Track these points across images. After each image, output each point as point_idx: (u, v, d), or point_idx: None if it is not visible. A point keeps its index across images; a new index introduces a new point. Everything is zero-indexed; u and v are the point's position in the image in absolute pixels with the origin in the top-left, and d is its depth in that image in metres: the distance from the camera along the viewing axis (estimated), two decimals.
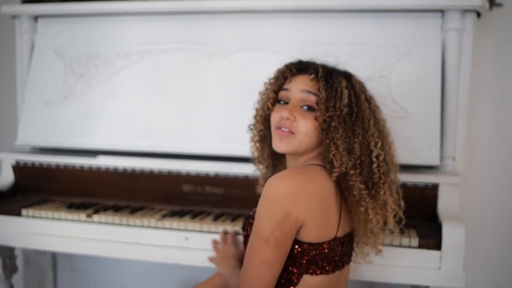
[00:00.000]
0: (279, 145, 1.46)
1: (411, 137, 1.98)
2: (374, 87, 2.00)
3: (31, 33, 2.45)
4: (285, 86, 1.49)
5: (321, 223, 1.38)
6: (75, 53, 2.37)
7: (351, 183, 1.41)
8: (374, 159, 1.42)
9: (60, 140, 2.30)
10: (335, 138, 1.39)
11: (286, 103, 1.47)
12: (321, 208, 1.37)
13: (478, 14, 2.11)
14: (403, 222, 1.56)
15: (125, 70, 2.30)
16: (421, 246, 1.77)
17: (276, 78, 1.53)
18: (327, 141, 1.40)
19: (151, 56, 2.28)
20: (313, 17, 2.16)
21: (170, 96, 2.22)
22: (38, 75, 2.38)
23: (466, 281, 2.26)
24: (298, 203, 1.32)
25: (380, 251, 1.61)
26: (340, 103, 1.39)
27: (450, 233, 1.74)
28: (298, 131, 1.43)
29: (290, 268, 1.41)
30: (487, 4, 2.05)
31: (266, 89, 1.55)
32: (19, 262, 2.51)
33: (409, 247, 1.78)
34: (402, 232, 1.84)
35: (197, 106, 2.19)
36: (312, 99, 1.43)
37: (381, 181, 1.43)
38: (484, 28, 2.28)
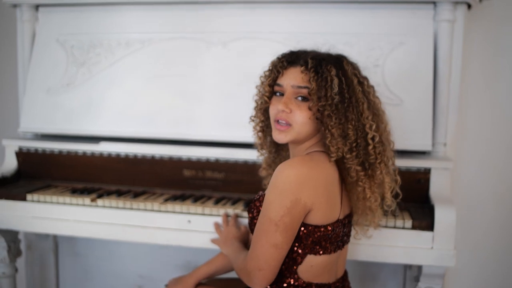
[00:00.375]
0: (278, 137, 1.52)
1: (404, 123, 2.05)
2: (369, 76, 2.04)
3: (32, 22, 2.47)
4: (278, 81, 1.53)
5: (326, 207, 1.45)
6: (77, 42, 2.40)
7: (348, 165, 1.48)
8: (370, 141, 1.48)
9: (62, 126, 2.34)
10: (329, 126, 1.45)
11: (282, 94, 1.52)
12: (326, 193, 1.45)
13: (469, 6, 2.18)
14: (400, 197, 1.63)
15: (126, 58, 2.34)
16: (414, 227, 1.85)
17: (270, 71, 1.58)
18: (323, 128, 1.47)
19: (151, 45, 2.33)
20: (309, 7, 2.21)
21: (171, 83, 2.27)
22: (40, 64, 2.42)
23: (458, 259, 2.37)
24: (306, 189, 1.40)
25: (379, 225, 1.70)
26: (331, 92, 1.44)
27: (442, 215, 1.82)
28: (295, 122, 1.48)
29: (295, 249, 1.48)
30: None
31: (262, 82, 1.60)
32: (22, 247, 2.56)
33: (403, 228, 1.86)
34: (396, 214, 1.92)
35: (197, 93, 2.24)
36: (304, 91, 1.47)
37: (377, 161, 1.50)
38: (474, 19, 2.35)
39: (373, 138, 1.49)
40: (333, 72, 1.46)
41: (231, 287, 1.83)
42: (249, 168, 2.10)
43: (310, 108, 1.47)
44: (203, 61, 2.26)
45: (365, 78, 1.55)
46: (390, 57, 2.12)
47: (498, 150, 2.46)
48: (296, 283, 1.51)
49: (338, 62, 1.50)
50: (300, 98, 1.49)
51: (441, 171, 2.00)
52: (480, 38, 2.39)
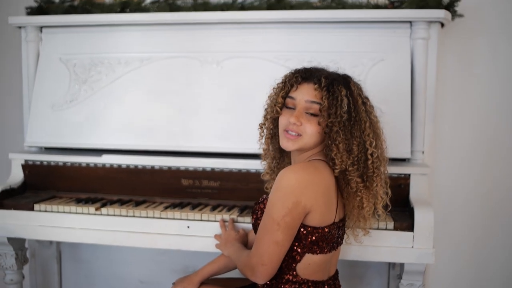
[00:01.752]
0: (286, 144, 1.67)
1: (385, 133, 2.19)
2: None
3: (37, 42, 2.61)
4: (292, 94, 1.67)
5: (324, 210, 1.61)
6: (79, 61, 2.55)
7: (349, 177, 1.63)
8: (369, 156, 1.63)
9: (66, 140, 2.48)
10: (336, 141, 1.59)
11: (293, 107, 1.67)
12: (324, 197, 1.60)
13: (442, 24, 2.37)
14: (389, 208, 1.78)
15: (126, 76, 2.49)
16: (396, 228, 2.00)
17: (284, 84, 1.71)
18: (329, 142, 1.61)
19: (150, 63, 2.48)
20: (297, 27, 2.37)
21: (168, 99, 2.42)
22: (44, 81, 2.56)
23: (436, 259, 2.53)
24: (306, 193, 1.56)
25: (368, 232, 1.84)
26: (341, 111, 1.59)
27: (421, 217, 1.97)
28: (304, 133, 1.63)
29: (295, 248, 1.63)
30: (449, 16, 2.31)
31: (275, 93, 1.73)
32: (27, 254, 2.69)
33: (386, 229, 2.01)
34: (379, 216, 2.09)
35: (193, 108, 2.39)
36: (315, 107, 1.62)
37: (375, 175, 1.65)
38: (447, 36, 2.54)
39: (372, 154, 1.63)
40: (344, 92, 1.60)
41: (231, 286, 1.97)
42: (243, 176, 2.26)
43: (319, 123, 1.62)
44: (199, 78, 2.42)
45: (367, 99, 1.70)
46: (371, 72, 2.29)
47: (474, 155, 2.64)
48: (294, 279, 1.66)
49: (347, 83, 1.65)
50: (310, 114, 1.64)
51: (419, 177, 2.17)
52: (453, 52, 2.58)
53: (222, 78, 2.40)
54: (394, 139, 2.20)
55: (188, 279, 1.96)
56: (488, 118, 2.61)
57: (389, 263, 2.43)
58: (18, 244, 2.42)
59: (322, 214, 1.61)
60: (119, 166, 2.39)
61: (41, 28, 2.61)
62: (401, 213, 2.12)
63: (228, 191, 2.30)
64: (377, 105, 2.21)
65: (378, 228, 2.02)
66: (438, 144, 2.61)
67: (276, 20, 2.37)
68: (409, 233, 1.99)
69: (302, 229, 1.61)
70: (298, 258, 1.65)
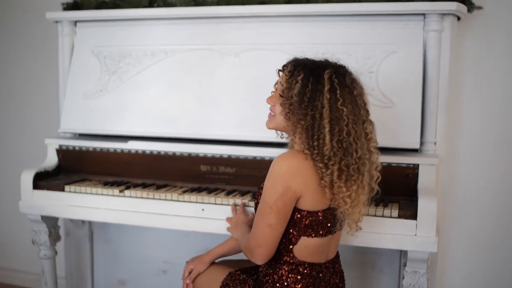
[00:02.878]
0: (266, 123, 1.84)
1: (395, 124, 2.26)
2: (364, 81, 2.29)
3: (71, 36, 2.80)
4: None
5: (314, 195, 1.69)
6: (109, 53, 2.72)
7: (313, 162, 1.67)
8: (327, 142, 1.64)
9: (96, 127, 2.66)
10: (291, 121, 1.71)
11: None
12: (314, 183, 1.68)
13: (459, 18, 2.39)
14: (379, 179, 1.79)
15: (152, 67, 2.64)
16: (400, 216, 2.05)
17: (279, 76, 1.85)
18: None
19: (173, 55, 2.62)
20: (312, 21, 2.45)
21: (189, 89, 2.55)
22: (77, 72, 2.74)
23: (452, 250, 2.56)
24: (297, 178, 1.65)
25: (360, 228, 1.86)
26: (291, 92, 1.68)
27: (424, 205, 2.01)
28: (275, 112, 1.78)
29: (291, 231, 1.73)
30: (464, 8, 2.32)
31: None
32: (61, 233, 2.89)
33: (390, 217, 2.06)
34: (386, 205, 2.15)
35: (212, 98, 2.51)
36: (279, 88, 1.77)
37: (330, 163, 1.65)
38: (466, 28, 2.54)
39: (330, 140, 1.65)
40: (301, 76, 1.69)
41: (239, 266, 2.08)
42: (257, 163, 2.36)
43: (281, 104, 1.74)
44: (218, 69, 2.54)
45: (346, 88, 1.69)
46: (383, 64, 2.34)
47: (491, 147, 2.63)
48: (292, 261, 1.76)
49: (317, 70, 1.70)
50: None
51: (428, 167, 2.20)
52: (472, 45, 2.58)
53: (240, 70, 2.50)
54: (404, 130, 2.27)
55: (199, 259, 2.09)
56: (508, 112, 2.60)
57: (400, 252, 2.48)
58: (51, 222, 2.61)
59: (314, 199, 1.69)
60: (143, 152, 2.54)
61: (75, 22, 2.79)
62: (409, 202, 2.16)
63: (244, 177, 2.40)
64: (388, 96, 2.31)
65: (383, 216, 2.08)
66: (456, 135, 2.62)
67: (292, 13, 2.45)
68: (413, 221, 2.03)
69: (296, 213, 1.71)
70: (294, 240, 1.74)
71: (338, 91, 1.67)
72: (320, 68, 1.73)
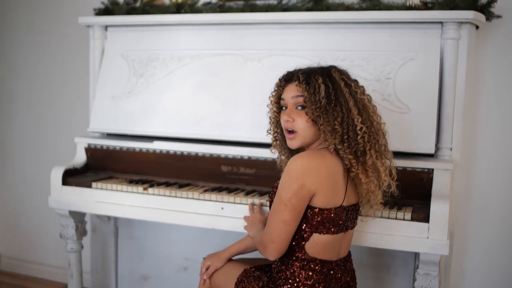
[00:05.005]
0: (290, 144, 1.89)
1: (411, 129, 2.31)
2: (382, 87, 2.40)
3: (102, 40, 2.93)
4: (282, 96, 1.90)
5: (328, 193, 1.77)
6: (137, 57, 2.83)
7: (342, 155, 1.79)
8: (359, 132, 1.78)
9: (123, 127, 2.77)
10: (320, 125, 1.78)
11: (287, 108, 1.87)
12: (328, 181, 1.76)
13: (477, 26, 2.43)
14: (395, 178, 1.91)
15: (178, 71, 2.74)
16: (413, 219, 2.10)
17: (276, 91, 1.95)
18: (318, 127, 1.80)
19: (199, 60, 2.71)
20: (332, 27, 2.52)
21: (213, 92, 2.64)
22: (107, 75, 2.86)
23: (468, 255, 2.58)
24: (311, 177, 1.73)
25: (382, 207, 2.00)
26: (319, 96, 1.76)
27: (437, 208, 2.06)
28: (298, 128, 1.83)
29: (303, 227, 1.80)
30: (482, 17, 2.36)
31: (271, 101, 1.98)
32: (88, 229, 3.01)
33: (403, 219, 2.11)
34: (400, 208, 2.20)
35: (234, 101, 2.60)
36: (300, 100, 1.82)
37: (367, 148, 1.79)
38: (486, 36, 2.58)
39: (361, 129, 1.78)
40: (320, 80, 1.79)
41: (255, 263, 2.15)
42: (277, 165, 2.43)
43: (306, 113, 1.81)
44: (241, 73, 2.62)
45: (354, 81, 1.86)
46: (401, 70, 2.39)
47: (509, 154, 2.65)
48: (303, 257, 1.83)
49: (326, 71, 1.83)
50: (300, 108, 1.83)
51: (442, 172, 2.23)
52: (491, 53, 2.61)
53: (262, 74, 2.58)
54: (420, 135, 2.32)
55: (216, 255, 2.17)
56: None
57: (415, 255, 2.51)
58: (78, 217, 2.73)
59: (327, 197, 1.76)
60: (168, 152, 2.64)
61: (106, 27, 2.92)
62: (422, 206, 2.20)
63: (263, 178, 2.48)
64: (404, 102, 2.36)
65: (396, 218, 2.13)
66: (472, 142, 2.65)
67: (313, 20, 2.53)
68: (425, 224, 2.08)
69: (309, 210, 1.78)
70: (306, 237, 1.81)
71: (352, 85, 1.81)
72: (326, 70, 1.85)
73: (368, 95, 1.88)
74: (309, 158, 1.77)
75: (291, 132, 1.86)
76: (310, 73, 1.83)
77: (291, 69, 1.96)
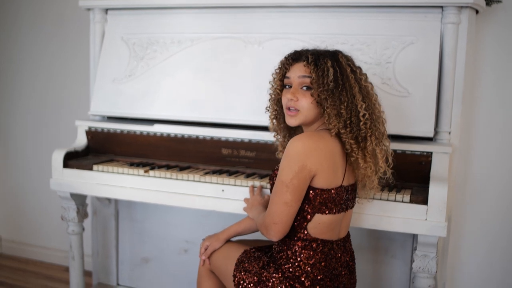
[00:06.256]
0: (290, 121, 1.89)
1: (411, 113, 2.33)
2: (382, 71, 2.41)
3: (102, 23, 2.92)
4: (287, 74, 1.89)
5: (329, 173, 1.79)
6: (138, 40, 2.84)
7: (343, 139, 1.81)
8: (361, 118, 1.80)
9: (124, 111, 2.78)
10: (326, 107, 1.80)
11: (290, 87, 1.88)
12: (328, 162, 1.78)
13: (477, 11, 2.44)
14: (391, 165, 1.94)
15: (178, 54, 2.74)
16: (411, 201, 2.13)
17: (280, 68, 1.95)
18: (322, 110, 1.82)
19: (199, 43, 2.72)
20: (333, 11, 2.52)
21: (213, 76, 2.65)
22: (107, 58, 2.87)
23: (465, 238, 2.60)
24: (311, 157, 1.75)
25: (379, 190, 2.02)
26: (327, 79, 1.78)
27: (435, 191, 2.08)
28: (301, 107, 1.85)
29: (306, 208, 1.83)
30: (482, 2, 2.37)
31: (274, 78, 1.98)
32: (89, 212, 3.03)
33: (402, 202, 2.14)
34: (399, 190, 2.23)
35: (235, 85, 2.60)
36: (307, 80, 1.83)
37: (368, 134, 1.82)
38: (485, 21, 2.59)
39: (363, 115, 1.81)
40: (329, 63, 1.80)
41: (254, 244, 2.19)
42: (277, 148, 2.45)
43: (312, 95, 1.82)
44: (241, 57, 2.63)
45: (358, 68, 1.88)
46: (401, 54, 2.40)
47: (508, 139, 2.68)
48: (305, 237, 1.85)
49: (334, 56, 1.85)
50: (304, 88, 1.84)
51: (441, 155, 2.26)
52: (491, 38, 2.62)
53: (263, 58, 2.59)
54: (419, 119, 2.33)
55: (215, 236, 2.20)
56: None
57: (413, 238, 2.55)
58: (79, 199, 2.75)
59: (328, 177, 1.79)
60: (168, 135, 2.66)
61: (106, 10, 2.92)
62: (421, 189, 2.23)
63: (263, 161, 2.50)
64: (404, 85, 2.38)
65: (395, 200, 2.15)
66: (471, 127, 2.68)
67: (314, 4, 2.53)
68: (423, 206, 2.10)
69: (311, 191, 1.80)
70: (309, 217, 1.84)
71: (357, 71, 1.84)
72: (334, 54, 1.86)
73: (371, 83, 1.90)
74: (309, 139, 1.78)
75: (292, 110, 1.87)
76: (319, 55, 1.84)
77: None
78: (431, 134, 2.32)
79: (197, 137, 2.61)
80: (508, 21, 2.61)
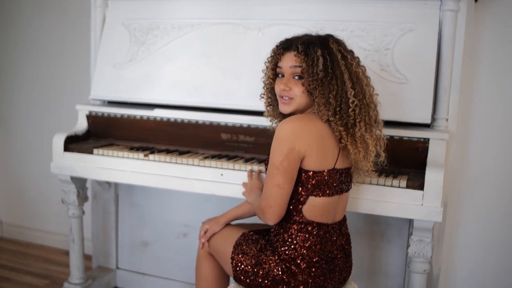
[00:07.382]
0: (283, 108, 1.93)
1: (409, 99, 2.35)
2: (380, 58, 2.43)
3: (103, 8, 2.94)
4: (279, 64, 1.92)
5: (319, 155, 1.82)
6: (139, 25, 2.85)
7: (333, 126, 1.84)
8: (351, 105, 1.82)
9: (124, 95, 2.80)
10: (315, 97, 1.83)
11: (283, 75, 1.91)
12: (317, 144, 1.81)
13: None
14: (383, 148, 1.96)
15: (179, 39, 2.76)
16: (408, 186, 2.15)
17: (272, 57, 1.97)
18: (313, 98, 1.85)
19: (199, 29, 2.73)
20: None
21: (213, 61, 2.67)
22: (108, 43, 2.88)
23: (462, 225, 2.62)
24: (300, 139, 1.78)
25: (375, 175, 2.06)
26: (317, 69, 1.80)
27: (431, 176, 2.11)
28: (294, 96, 1.88)
29: (300, 190, 1.86)
30: None
31: (267, 67, 2.01)
32: (89, 196, 3.06)
33: (399, 187, 2.16)
34: (395, 176, 2.25)
35: (235, 70, 2.62)
36: (298, 70, 1.86)
37: (357, 121, 1.84)
38: (485, 9, 2.60)
39: (353, 102, 1.83)
40: (319, 52, 1.81)
41: (253, 228, 2.21)
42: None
43: (303, 84, 1.85)
44: (241, 43, 2.64)
45: (350, 52, 1.90)
46: (399, 41, 2.41)
47: (505, 127, 2.69)
48: (300, 220, 1.88)
49: (324, 43, 1.85)
50: (296, 77, 1.87)
51: (438, 142, 2.27)
52: (490, 26, 2.63)
53: (263, 44, 2.56)
54: (417, 105, 2.35)
55: (214, 220, 2.23)
56: None
57: (409, 223, 2.58)
58: (79, 183, 2.78)
59: (318, 159, 1.82)
60: (168, 119, 2.68)
61: None
62: (417, 174, 2.25)
63: (262, 146, 2.52)
64: (402, 72, 2.39)
65: (391, 186, 2.17)
66: (469, 114, 2.69)
67: None
68: (419, 192, 2.13)
69: (303, 174, 1.83)
70: (303, 200, 1.87)
71: (348, 56, 1.84)
72: (324, 41, 1.87)
73: (363, 67, 1.91)
74: (298, 121, 1.82)
75: (286, 98, 1.90)
76: (309, 44, 1.85)
77: None
78: (428, 121, 2.34)
79: (197, 122, 2.63)
80: (506, 9, 2.61)
